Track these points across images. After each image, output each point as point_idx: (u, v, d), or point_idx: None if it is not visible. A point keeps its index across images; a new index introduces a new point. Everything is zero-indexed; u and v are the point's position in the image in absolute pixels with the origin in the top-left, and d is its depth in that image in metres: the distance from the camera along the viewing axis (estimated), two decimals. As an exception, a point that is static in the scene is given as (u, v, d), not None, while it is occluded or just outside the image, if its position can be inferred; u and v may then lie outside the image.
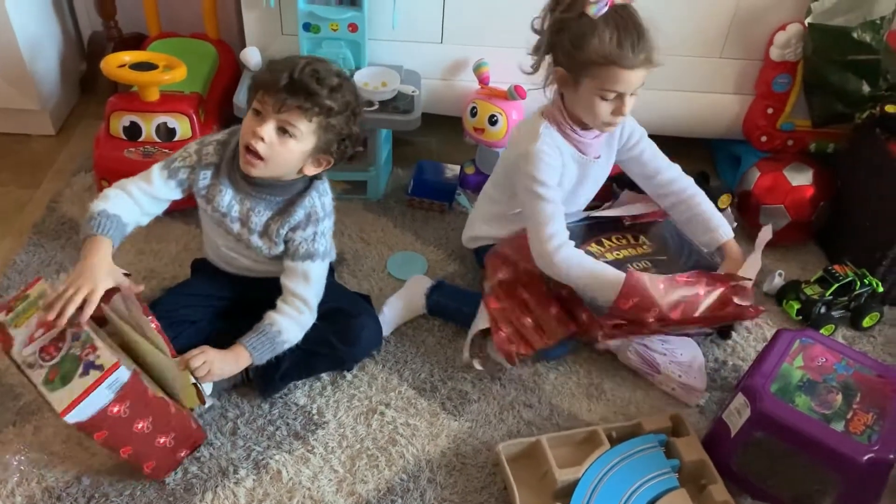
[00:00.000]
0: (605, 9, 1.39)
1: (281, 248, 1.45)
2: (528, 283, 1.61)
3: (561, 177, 1.55)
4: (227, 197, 1.42)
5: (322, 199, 1.44)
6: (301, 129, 1.32)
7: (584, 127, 1.55)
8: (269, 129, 1.31)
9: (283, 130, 1.32)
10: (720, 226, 1.65)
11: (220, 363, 1.35)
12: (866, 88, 1.88)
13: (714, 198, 1.79)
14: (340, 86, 1.33)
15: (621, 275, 1.49)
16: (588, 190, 1.67)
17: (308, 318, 1.44)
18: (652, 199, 1.75)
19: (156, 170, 1.42)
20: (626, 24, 1.40)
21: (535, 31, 1.50)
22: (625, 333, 1.57)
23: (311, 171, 1.40)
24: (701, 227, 1.66)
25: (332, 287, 1.60)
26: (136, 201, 1.40)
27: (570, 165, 1.57)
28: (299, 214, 1.42)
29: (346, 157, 1.42)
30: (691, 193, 1.67)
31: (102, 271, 1.27)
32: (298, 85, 1.29)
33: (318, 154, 1.38)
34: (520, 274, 1.61)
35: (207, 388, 1.38)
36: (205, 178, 1.42)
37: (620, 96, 1.45)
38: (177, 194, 1.44)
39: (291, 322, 1.41)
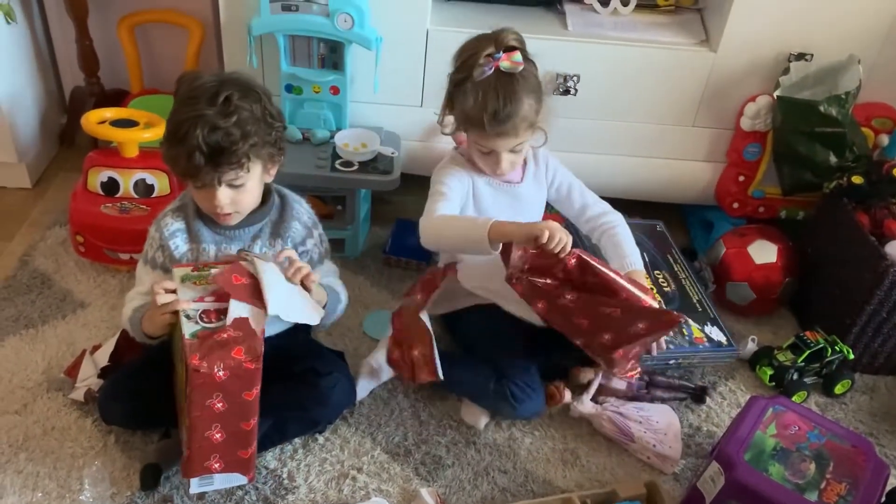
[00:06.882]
0: (489, 72, 1.44)
1: None
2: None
3: (466, 193, 1.60)
4: (211, 253, 1.42)
5: (304, 206, 1.50)
6: (244, 174, 1.33)
7: None
8: (223, 195, 1.33)
9: (232, 186, 1.33)
10: (629, 255, 1.67)
11: (314, 272, 1.37)
12: (833, 159, 1.93)
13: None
14: (234, 112, 1.28)
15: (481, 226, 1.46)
16: (529, 217, 1.62)
17: (345, 304, 1.53)
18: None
19: (140, 270, 1.47)
20: (497, 92, 1.44)
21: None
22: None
23: (271, 176, 1.43)
24: (617, 254, 1.68)
25: (305, 345, 1.59)
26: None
27: (482, 189, 1.61)
28: (297, 228, 1.46)
29: (281, 139, 1.40)
30: (614, 225, 1.71)
31: None
32: (216, 156, 1.27)
33: (267, 165, 1.40)
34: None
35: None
36: (176, 247, 1.42)
37: (493, 153, 1.52)
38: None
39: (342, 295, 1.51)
